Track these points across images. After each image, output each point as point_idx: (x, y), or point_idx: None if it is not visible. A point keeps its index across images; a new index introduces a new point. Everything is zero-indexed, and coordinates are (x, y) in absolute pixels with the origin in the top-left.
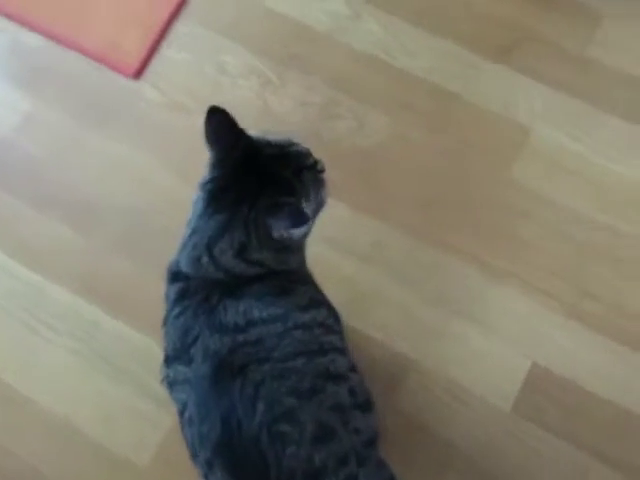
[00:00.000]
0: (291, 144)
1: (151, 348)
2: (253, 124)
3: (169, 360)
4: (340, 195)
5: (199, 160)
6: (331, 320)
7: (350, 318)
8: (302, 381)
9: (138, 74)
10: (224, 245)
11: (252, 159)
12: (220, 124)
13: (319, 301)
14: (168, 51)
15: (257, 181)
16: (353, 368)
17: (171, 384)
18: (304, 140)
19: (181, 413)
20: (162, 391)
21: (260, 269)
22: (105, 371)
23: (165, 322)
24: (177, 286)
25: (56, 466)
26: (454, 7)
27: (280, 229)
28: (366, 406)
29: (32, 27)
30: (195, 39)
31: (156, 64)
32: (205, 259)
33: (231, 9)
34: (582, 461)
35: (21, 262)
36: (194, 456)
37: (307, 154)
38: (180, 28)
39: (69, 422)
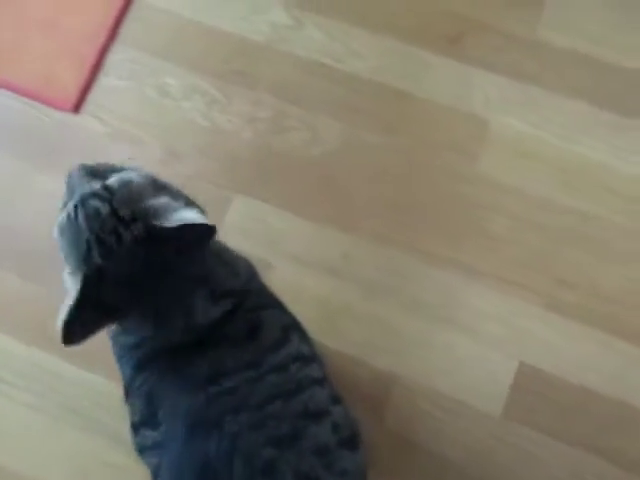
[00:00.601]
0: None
1: (115, 393)
2: (203, 145)
3: (136, 427)
4: (301, 209)
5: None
6: (305, 347)
7: (325, 337)
8: (280, 427)
9: (77, 107)
10: (199, 306)
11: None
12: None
13: (289, 326)
14: (106, 79)
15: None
16: (335, 398)
17: (141, 450)
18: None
19: (155, 478)
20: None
21: (230, 301)
22: (74, 423)
23: (127, 395)
24: (132, 359)
25: None
26: (394, 3)
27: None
28: (352, 442)
29: None
30: (132, 64)
31: (95, 95)
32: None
33: (165, 30)
34: (578, 458)
35: None
36: None
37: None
38: (116, 55)
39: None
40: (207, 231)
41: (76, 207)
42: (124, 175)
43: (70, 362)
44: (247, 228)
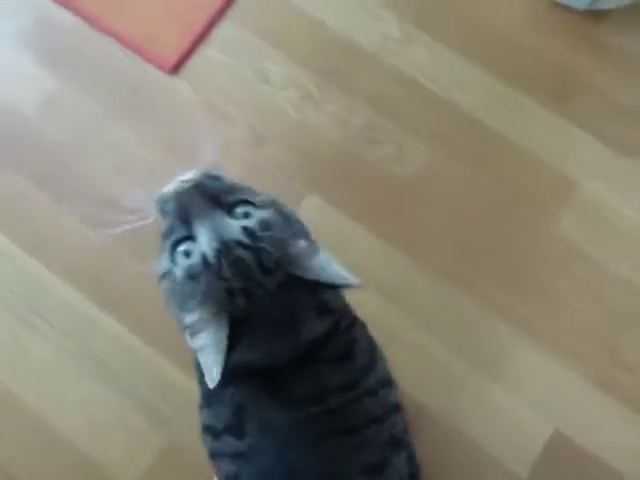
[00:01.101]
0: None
1: (154, 362)
2: (288, 137)
3: (217, 433)
4: (370, 223)
5: (227, 163)
6: (386, 371)
7: None
8: (372, 454)
9: (174, 70)
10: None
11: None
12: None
13: (373, 349)
14: (209, 50)
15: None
16: (406, 427)
17: (215, 455)
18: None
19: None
20: (159, 410)
21: (331, 318)
22: (100, 376)
23: (210, 400)
24: (226, 367)
25: (32, 474)
26: (510, 46)
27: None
28: (417, 477)
29: (67, 5)
30: (238, 42)
31: (194, 62)
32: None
33: (280, 16)
34: None
35: (25, 249)
36: None
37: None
38: (224, 29)
39: (52, 431)
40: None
41: (219, 254)
42: (261, 216)
43: (113, 317)
44: (313, 229)
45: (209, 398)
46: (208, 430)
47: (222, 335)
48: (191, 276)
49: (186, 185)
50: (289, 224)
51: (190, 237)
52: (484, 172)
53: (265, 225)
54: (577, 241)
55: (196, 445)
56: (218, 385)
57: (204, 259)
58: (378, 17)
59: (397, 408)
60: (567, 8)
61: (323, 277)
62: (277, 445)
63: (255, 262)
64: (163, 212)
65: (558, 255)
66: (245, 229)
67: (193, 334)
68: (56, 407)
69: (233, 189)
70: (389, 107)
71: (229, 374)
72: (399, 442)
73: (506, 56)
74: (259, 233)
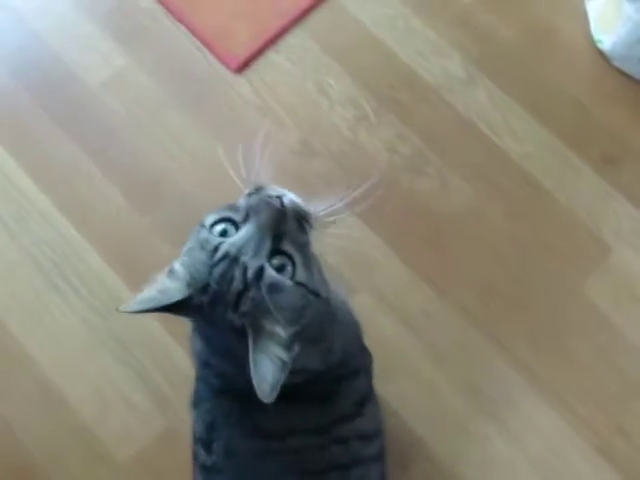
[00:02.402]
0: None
1: (168, 347)
2: (337, 153)
3: (195, 440)
4: (403, 252)
5: (274, 169)
6: (372, 423)
7: (375, 379)
8: None
9: (240, 69)
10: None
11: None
12: None
13: (365, 397)
14: (275, 56)
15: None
16: (383, 476)
17: (195, 458)
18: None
19: None
20: (164, 394)
21: (312, 372)
22: (115, 352)
23: (193, 407)
24: (210, 385)
25: (33, 433)
26: (568, 104)
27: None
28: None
29: None
30: (304, 52)
31: (259, 65)
32: None
33: (350, 36)
34: None
35: (67, 216)
36: None
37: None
38: (293, 38)
39: (61, 393)
40: None
41: (227, 258)
42: (284, 283)
43: (134, 291)
44: (345, 249)
45: (196, 402)
46: (193, 432)
47: (166, 290)
48: (201, 246)
49: (283, 203)
50: (293, 311)
51: (236, 225)
52: (522, 222)
53: (274, 289)
54: (602, 306)
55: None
56: (204, 394)
57: (216, 249)
58: (445, 54)
59: (374, 458)
60: (628, 76)
61: (252, 370)
62: (237, 471)
63: (234, 297)
64: (247, 197)
65: (581, 316)
66: (260, 270)
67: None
68: (66, 372)
69: (301, 244)
70: (441, 142)
71: (216, 389)
72: None
73: (563, 113)
74: (263, 288)
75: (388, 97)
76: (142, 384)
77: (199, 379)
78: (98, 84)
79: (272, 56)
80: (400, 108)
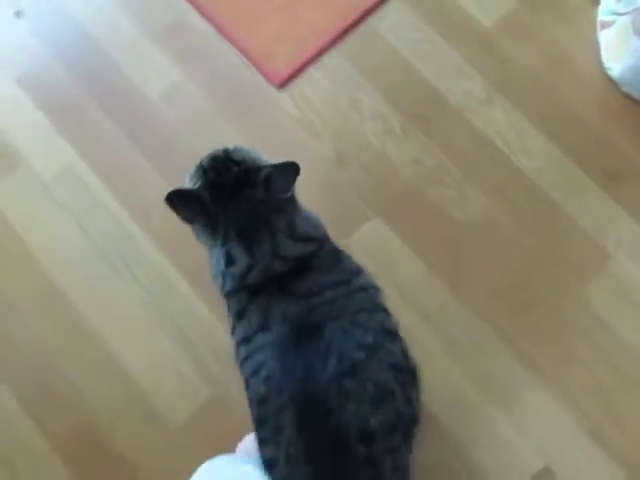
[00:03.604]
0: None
1: (214, 328)
2: (366, 163)
3: (248, 339)
4: (423, 253)
5: (310, 175)
6: (372, 281)
7: None
8: (366, 335)
9: (282, 85)
10: (280, 239)
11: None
12: (183, 201)
13: (360, 266)
14: (314, 74)
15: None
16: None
17: (247, 357)
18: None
19: (254, 374)
20: (210, 368)
21: (312, 244)
22: (169, 331)
23: (242, 316)
24: (241, 296)
25: (99, 398)
26: (578, 124)
27: (288, 187)
28: (415, 375)
29: (202, 11)
30: (340, 71)
31: (300, 82)
32: (276, 261)
33: (382, 58)
34: None
35: (128, 211)
36: (261, 403)
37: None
38: (330, 58)
39: (122, 363)
40: (293, 168)
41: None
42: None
43: (189, 284)
44: (371, 247)
45: (239, 314)
46: (242, 341)
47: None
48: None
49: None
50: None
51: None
52: (531, 231)
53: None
54: (601, 308)
55: (237, 403)
56: (245, 300)
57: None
58: (467, 76)
59: (386, 310)
60: (635, 100)
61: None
62: (292, 330)
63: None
64: None
65: (582, 317)
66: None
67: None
68: (127, 346)
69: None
70: (460, 156)
71: (250, 290)
72: (392, 334)
73: (572, 133)
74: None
75: (414, 114)
76: (191, 359)
77: (235, 298)
78: (156, 95)
79: (311, 74)
80: (424, 124)
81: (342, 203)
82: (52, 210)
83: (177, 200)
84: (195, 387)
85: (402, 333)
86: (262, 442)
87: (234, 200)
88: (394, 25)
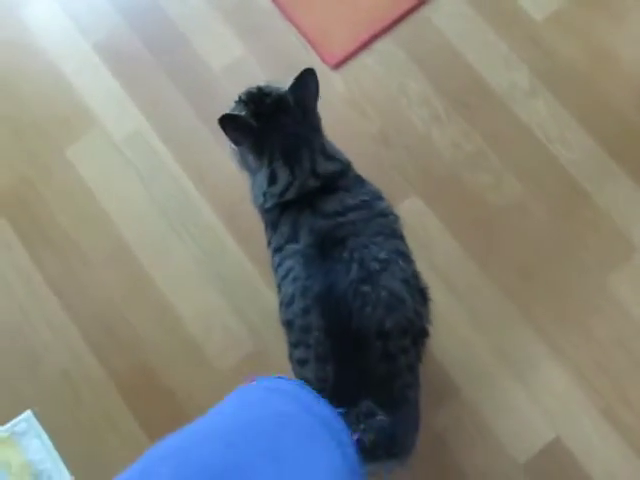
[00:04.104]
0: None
1: (260, 287)
2: (410, 145)
3: (280, 248)
4: (457, 233)
5: (355, 151)
6: (393, 209)
7: None
8: (381, 252)
9: (337, 66)
10: (317, 156)
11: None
12: (233, 124)
13: (381, 192)
14: (367, 58)
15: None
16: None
17: (279, 264)
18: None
19: (284, 277)
20: (254, 322)
21: (339, 164)
22: (219, 287)
23: (276, 226)
24: (276, 211)
25: (154, 342)
26: (617, 119)
27: (313, 98)
28: (425, 295)
29: None
30: (391, 57)
31: (353, 64)
32: (312, 179)
33: (432, 46)
34: None
35: (188, 174)
36: (289, 304)
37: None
38: (384, 43)
39: (176, 312)
40: (310, 74)
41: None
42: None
43: (241, 247)
44: (409, 223)
45: (274, 226)
46: (276, 250)
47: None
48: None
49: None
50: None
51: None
52: (562, 219)
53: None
54: (622, 297)
55: (276, 357)
56: (277, 213)
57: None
58: (513, 67)
59: (403, 239)
60: None
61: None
62: (318, 241)
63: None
64: None
65: (603, 303)
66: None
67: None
68: (181, 297)
69: None
70: (499, 143)
71: (283, 205)
72: (405, 255)
73: (612, 128)
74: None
75: (459, 101)
76: (238, 314)
77: (272, 211)
78: (219, 67)
79: (364, 58)
80: (468, 111)
81: (384, 180)
82: (121, 169)
83: (228, 123)
84: (239, 339)
85: (431, 301)
86: (293, 345)
87: (276, 124)
88: (447, 15)
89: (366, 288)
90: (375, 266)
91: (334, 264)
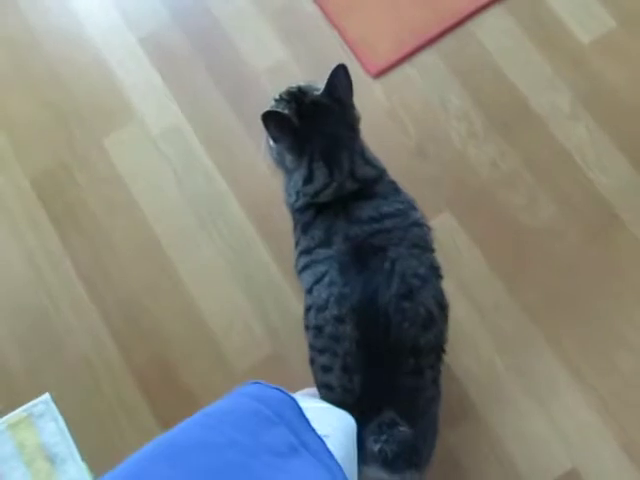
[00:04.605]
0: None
1: (285, 291)
2: (447, 160)
3: (310, 250)
4: (486, 250)
5: (390, 161)
6: (426, 220)
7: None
8: (420, 267)
9: (378, 75)
10: (356, 159)
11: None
12: (275, 121)
13: (415, 202)
14: (409, 69)
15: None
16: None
17: (305, 267)
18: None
19: (318, 281)
20: (275, 325)
21: (377, 170)
22: (244, 286)
23: (306, 230)
24: (309, 212)
25: (175, 335)
26: None
27: (348, 92)
28: (447, 312)
29: None
30: (434, 70)
31: (395, 75)
32: (349, 181)
33: (474, 61)
34: None
35: (221, 172)
36: (320, 309)
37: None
38: (427, 55)
39: (199, 308)
40: (342, 70)
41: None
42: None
43: (267, 246)
44: (439, 239)
45: (305, 227)
46: (304, 252)
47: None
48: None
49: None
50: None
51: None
52: (595, 245)
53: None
54: None
55: (295, 362)
56: (311, 216)
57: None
58: (556, 88)
59: (434, 252)
60: None
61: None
62: (354, 249)
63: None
64: None
65: (632, 335)
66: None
67: None
68: (205, 294)
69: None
70: (536, 165)
71: (318, 208)
72: (437, 272)
73: None
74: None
75: (498, 119)
76: (260, 315)
77: (304, 213)
78: (261, 69)
79: (406, 69)
80: (507, 130)
81: (418, 192)
82: (155, 163)
83: (272, 120)
84: (260, 341)
85: (454, 321)
86: (318, 351)
87: (316, 125)
88: (492, 31)
89: (406, 304)
90: (416, 282)
91: (374, 274)
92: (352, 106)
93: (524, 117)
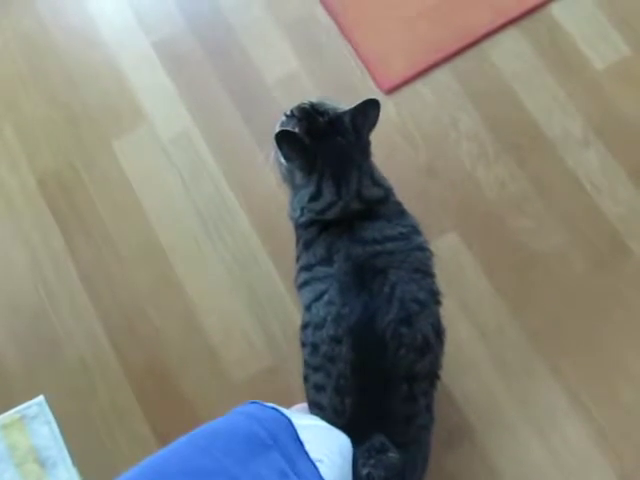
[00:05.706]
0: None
1: (287, 305)
2: (454, 180)
3: (309, 267)
4: (491, 272)
5: (399, 179)
6: (428, 245)
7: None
8: (420, 292)
9: (390, 91)
10: (365, 180)
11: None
12: (288, 140)
13: (419, 225)
14: (421, 87)
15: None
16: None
17: (305, 284)
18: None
19: (316, 299)
20: (276, 338)
21: (383, 190)
22: (245, 297)
23: (309, 246)
24: (312, 229)
25: (174, 342)
26: None
27: (370, 128)
28: (443, 338)
29: (329, 10)
30: (447, 89)
31: (407, 91)
32: (356, 201)
33: (488, 82)
34: None
35: (228, 181)
36: (317, 328)
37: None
38: (440, 74)
39: (199, 316)
40: (374, 105)
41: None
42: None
43: (272, 260)
44: (443, 259)
45: (307, 244)
46: (304, 268)
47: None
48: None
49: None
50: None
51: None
52: (602, 273)
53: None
54: None
55: (293, 377)
56: (315, 233)
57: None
58: (568, 114)
59: (435, 277)
60: None
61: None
62: (355, 269)
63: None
64: None
65: (635, 366)
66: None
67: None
68: (206, 302)
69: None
70: (545, 189)
71: (322, 225)
72: (437, 297)
73: None
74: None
75: (509, 141)
76: (260, 327)
77: (308, 229)
78: (272, 80)
79: (418, 86)
80: (517, 152)
81: (425, 212)
82: (164, 168)
83: (284, 139)
84: (259, 353)
85: (455, 343)
86: (312, 368)
87: (328, 144)
88: (506, 53)
89: (404, 330)
90: (414, 308)
91: (374, 297)
92: (368, 140)
93: (535, 140)
